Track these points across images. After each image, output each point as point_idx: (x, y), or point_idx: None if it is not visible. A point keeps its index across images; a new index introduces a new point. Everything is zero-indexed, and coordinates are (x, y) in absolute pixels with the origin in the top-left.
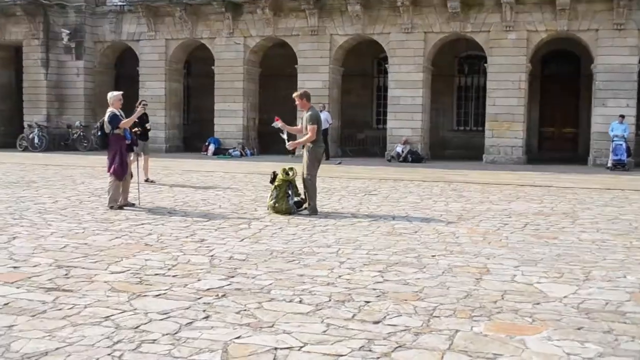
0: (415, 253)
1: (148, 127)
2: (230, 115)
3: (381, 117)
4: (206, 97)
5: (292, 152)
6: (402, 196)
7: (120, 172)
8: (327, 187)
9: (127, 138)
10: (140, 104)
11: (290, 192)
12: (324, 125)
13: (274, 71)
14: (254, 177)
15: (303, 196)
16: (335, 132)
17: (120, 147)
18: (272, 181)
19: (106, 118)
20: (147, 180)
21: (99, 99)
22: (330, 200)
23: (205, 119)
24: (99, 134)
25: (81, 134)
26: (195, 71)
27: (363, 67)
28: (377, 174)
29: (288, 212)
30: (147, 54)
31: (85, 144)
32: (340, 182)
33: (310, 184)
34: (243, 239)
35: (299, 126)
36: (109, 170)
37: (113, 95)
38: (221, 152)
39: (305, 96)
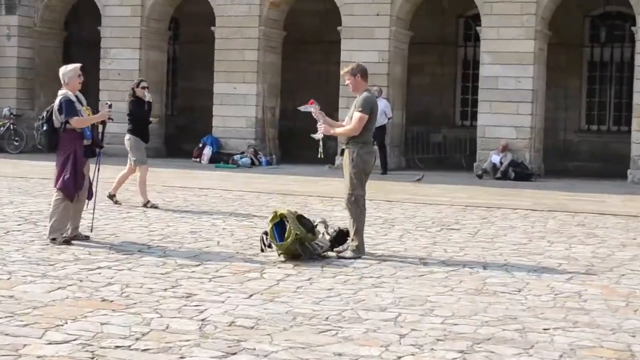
0: (518, 324)
1: (152, 120)
2: (238, 102)
3: (468, 109)
4: (201, 74)
5: (329, 159)
6: (498, 233)
7: (72, 188)
8: (383, 216)
9: (85, 136)
10: (139, 85)
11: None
12: (380, 121)
13: (306, 36)
14: (272, 198)
15: (342, 229)
16: (397, 131)
17: (74, 150)
18: (265, 246)
19: (56, 105)
20: (146, 205)
21: (41, 74)
22: (387, 237)
23: (199, 107)
24: (44, 128)
25: (11, 127)
26: (185, 35)
27: (441, 31)
28: (460, 197)
29: (309, 253)
30: (114, 7)
31: (16, 143)
32: (404, 210)
33: (354, 208)
34: (251, 295)
35: (344, 122)
36: (55, 184)
37: (68, 70)
38: (222, 158)
39: (360, 72)
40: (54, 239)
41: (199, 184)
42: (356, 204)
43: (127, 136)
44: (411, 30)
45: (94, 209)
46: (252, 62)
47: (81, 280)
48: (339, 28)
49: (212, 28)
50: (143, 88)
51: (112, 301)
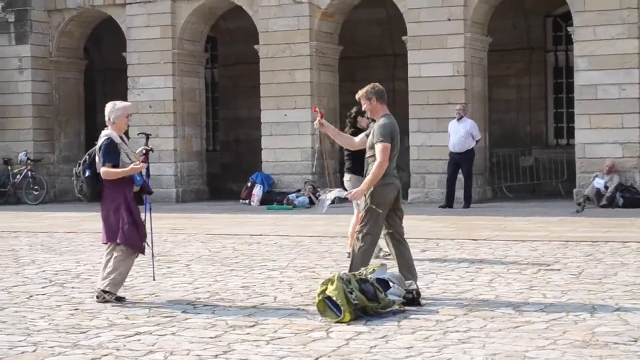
0: None
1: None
2: (290, 132)
3: (563, 126)
4: (245, 101)
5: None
6: (607, 272)
7: (137, 238)
8: (468, 258)
9: (135, 182)
10: (361, 114)
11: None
12: (467, 145)
13: (366, 50)
14: (337, 243)
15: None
16: (480, 155)
17: (124, 197)
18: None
19: (99, 148)
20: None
21: (61, 112)
22: (474, 282)
23: (245, 140)
24: (86, 174)
25: (29, 174)
26: (224, 56)
27: (526, 35)
28: (559, 230)
29: (383, 307)
30: (140, 29)
31: (36, 192)
32: (493, 249)
33: (363, 247)
34: (317, 358)
35: (356, 138)
36: (108, 239)
37: (116, 108)
38: (275, 198)
39: (376, 95)
40: (106, 293)
41: (250, 230)
42: (365, 244)
43: (347, 176)
44: (490, 36)
45: (153, 264)
46: (304, 84)
47: (118, 349)
48: (404, 38)
49: (255, 46)
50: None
51: None
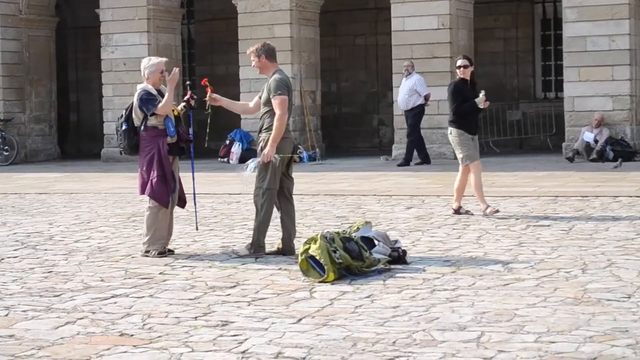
0: (630, 338)
1: (484, 103)
2: None
3: (551, 79)
4: (223, 58)
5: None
6: (598, 227)
7: (164, 192)
8: (452, 214)
9: (169, 133)
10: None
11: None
12: (413, 101)
13: (347, 3)
14: (319, 201)
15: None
16: None
17: (157, 149)
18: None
19: (135, 100)
20: (486, 212)
21: (32, 70)
22: (462, 239)
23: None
24: (123, 128)
25: None
26: (201, 12)
27: None
28: (548, 185)
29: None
30: None
31: (6, 153)
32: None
33: (263, 203)
34: (301, 319)
35: (251, 102)
36: (142, 191)
37: (150, 64)
38: (254, 156)
39: (265, 52)
40: (148, 252)
41: (229, 189)
42: (265, 199)
43: (449, 129)
44: None
45: (196, 214)
46: (284, 39)
47: (94, 313)
48: None
49: (233, 1)
50: (459, 67)
51: (132, 335)
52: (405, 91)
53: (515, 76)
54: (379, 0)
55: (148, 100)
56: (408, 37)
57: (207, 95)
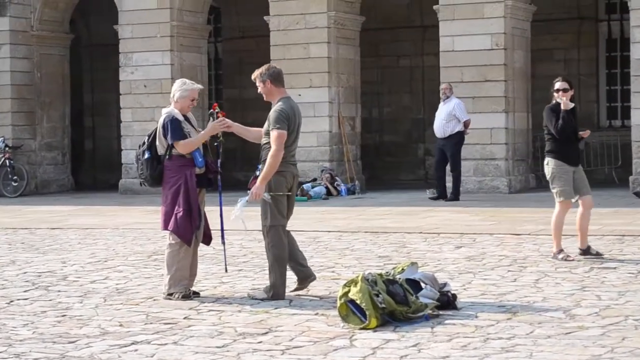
0: None
1: (583, 134)
2: (304, 114)
3: (617, 105)
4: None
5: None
6: None
7: (189, 228)
8: (510, 255)
9: (197, 163)
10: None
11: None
12: (452, 126)
13: (391, 21)
14: (359, 239)
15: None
16: (521, 139)
17: (184, 180)
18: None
19: (160, 126)
20: (587, 252)
21: (44, 92)
22: (518, 282)
23: (254, 124)
24: (145, 156)
25: (8, 163)
26: (229, 29)
27: (575, 2)
28: (614, 223)
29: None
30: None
31: (15, 184)
32: (538, 245)
33: (272, 244)
34: None
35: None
36: (165, 227)
37: (183, 89)
38: None
39: (270, 77)
40: (171, 295)
41: (260, 225)
42: (274, 236)
43: (546, 160)
44: (534, 4)
45: (224, 254)
46: (321, 60)
47: None
48: (434, 7)
49: (265, 18)
50: (558, 90)
51: None
52: (442, 117)
53: (576, 102)
54: (426, 17)
55: (175, 129)
56: (458, 58)
57: (221, 122)
